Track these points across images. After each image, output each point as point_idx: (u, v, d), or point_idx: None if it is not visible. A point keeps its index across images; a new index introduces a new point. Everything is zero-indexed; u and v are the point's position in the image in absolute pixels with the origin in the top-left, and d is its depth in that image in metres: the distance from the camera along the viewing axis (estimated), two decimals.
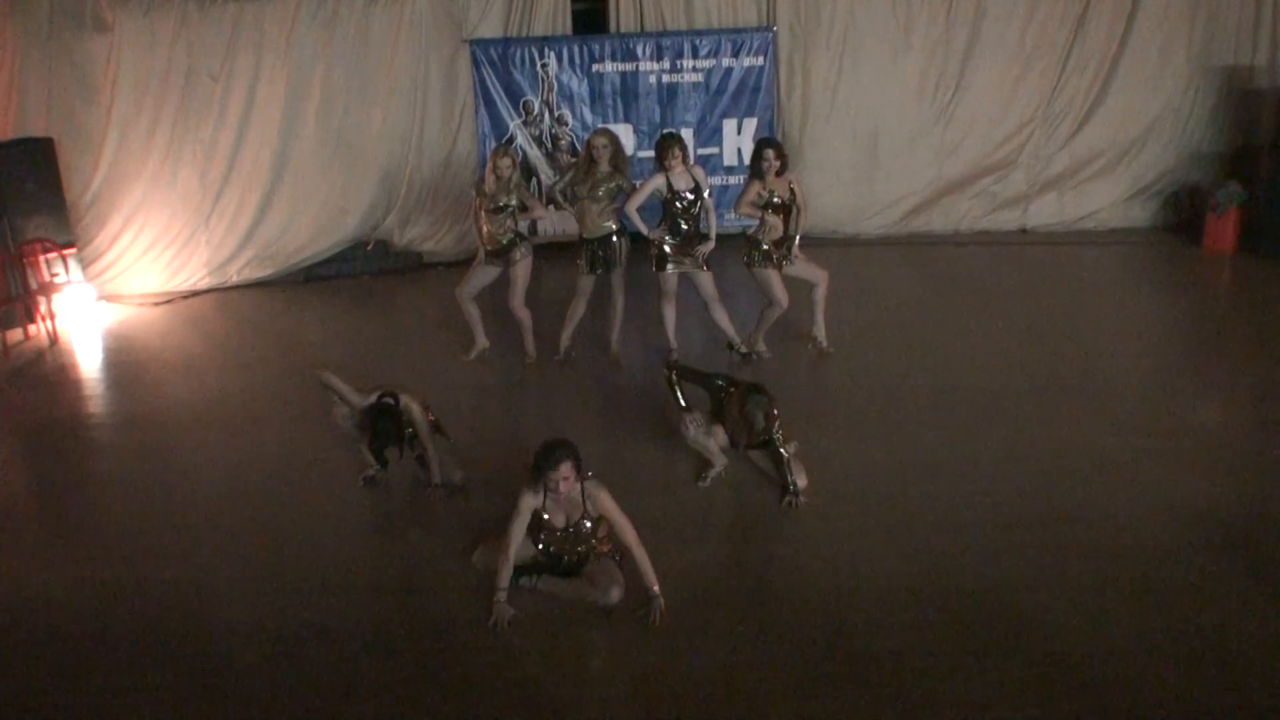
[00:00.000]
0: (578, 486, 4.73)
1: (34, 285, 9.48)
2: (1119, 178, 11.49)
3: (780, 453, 5.67)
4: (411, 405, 5.80)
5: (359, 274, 11.02)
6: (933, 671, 4.24)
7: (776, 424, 5.63)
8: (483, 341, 8.19)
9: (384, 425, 5.71)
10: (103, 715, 4.23)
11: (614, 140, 7.63)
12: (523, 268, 7.82)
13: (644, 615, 4.63)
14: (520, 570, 4.89)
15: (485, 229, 7.76)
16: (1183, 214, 11.42)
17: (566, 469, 4.61)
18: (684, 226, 7.52)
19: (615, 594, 4.71)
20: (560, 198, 8.09)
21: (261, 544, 5.52)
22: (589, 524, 4.81)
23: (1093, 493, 5.64)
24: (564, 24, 11.06)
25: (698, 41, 10.95)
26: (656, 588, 4.67)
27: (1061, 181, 11.49)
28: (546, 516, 4.80)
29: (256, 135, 10.49)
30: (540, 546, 4.89)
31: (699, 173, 7.59)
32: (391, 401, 5.73)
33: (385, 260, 11.13)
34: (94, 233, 10.44)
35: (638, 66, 10.96)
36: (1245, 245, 10.40)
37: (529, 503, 4.75)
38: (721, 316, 7.77)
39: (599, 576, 4.78)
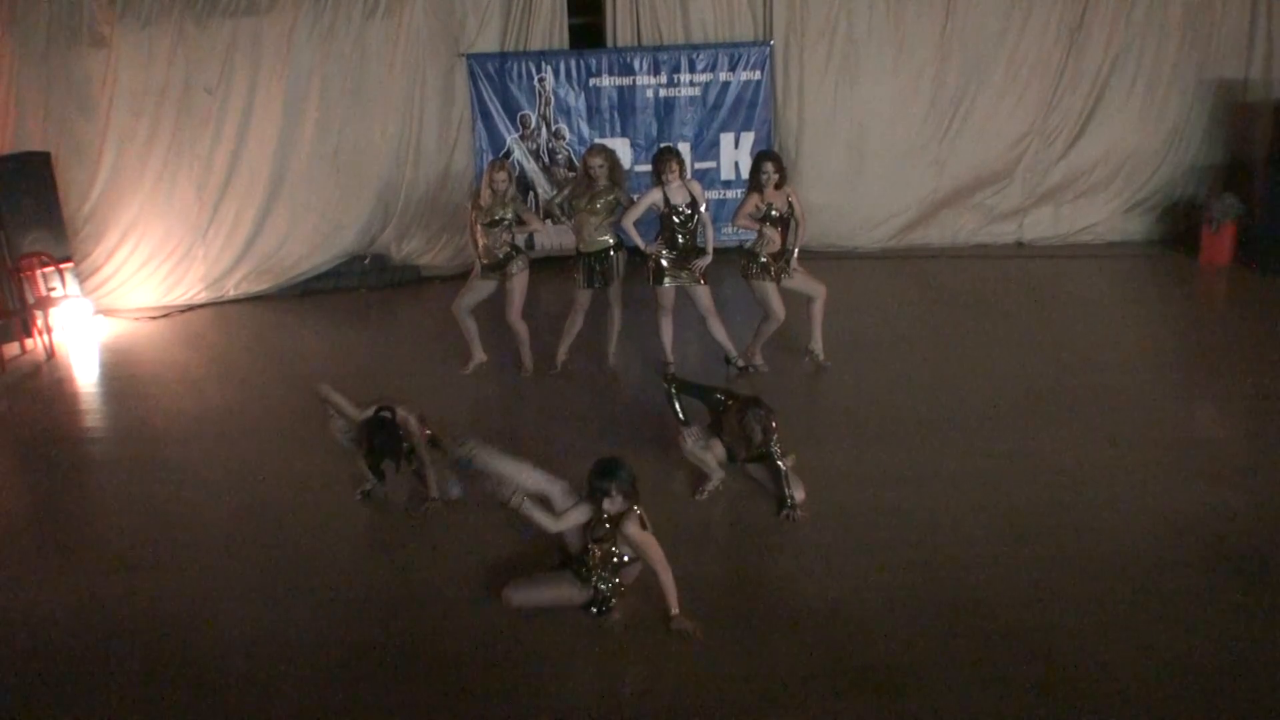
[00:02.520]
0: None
1: (31, 299, 9.47)
2: (1115, 191, 11.52)
3: (778, 466, 5.66)
4: (408, 419, 5.80)
5: (356, 288, 11.01)
6: (932, 683, 4.23)
7: (775, 437, 5.62)
8: (480, 355, 8.19)
9: (381, 439, 5.70)
10: None
11: (610, 157, 7.65)
12: (519, 281, 7.82)
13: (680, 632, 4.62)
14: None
15: (481, 243, 7.77)
16: (1179, 227, 11.45)
17: (612, 498, 4.66)
18: (681, 240, 7.53)
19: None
20: (558, 211, 8.10)
21: (258, 557, 5.51)
22: (624, 558, 4.78)
23: (1090, 504, 5.64)
24: (561, 38, 11.09)
25: (695, 56, 10.98)
26: (675, 610, 4.65)
27: (1058, 194, 11.52)
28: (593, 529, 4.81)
29: (253, 149, 10.50)
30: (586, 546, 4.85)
31: (696, 187, 7.60)
32: (388, 415, 5.72)
33: (382, 274, 11.12)
34: (91, 247, 10.44)
35: (635, 81, 10.99)
36: (1241, 258, 10.43)
37: (583, 514, 4.80)
38: (719, 330, 7.77)
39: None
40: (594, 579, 4.78)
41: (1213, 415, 6.93)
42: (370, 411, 5.73)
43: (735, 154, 11.20)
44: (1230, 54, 11.13)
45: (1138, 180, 11.48)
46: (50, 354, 9.26)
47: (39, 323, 9.35)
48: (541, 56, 10.93)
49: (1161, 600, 4.74)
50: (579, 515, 4.81)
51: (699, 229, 7.59)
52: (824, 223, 11.03)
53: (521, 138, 11.06)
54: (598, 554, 4.76)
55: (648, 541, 4.66)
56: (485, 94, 10.92)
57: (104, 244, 10.49)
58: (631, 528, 4.64)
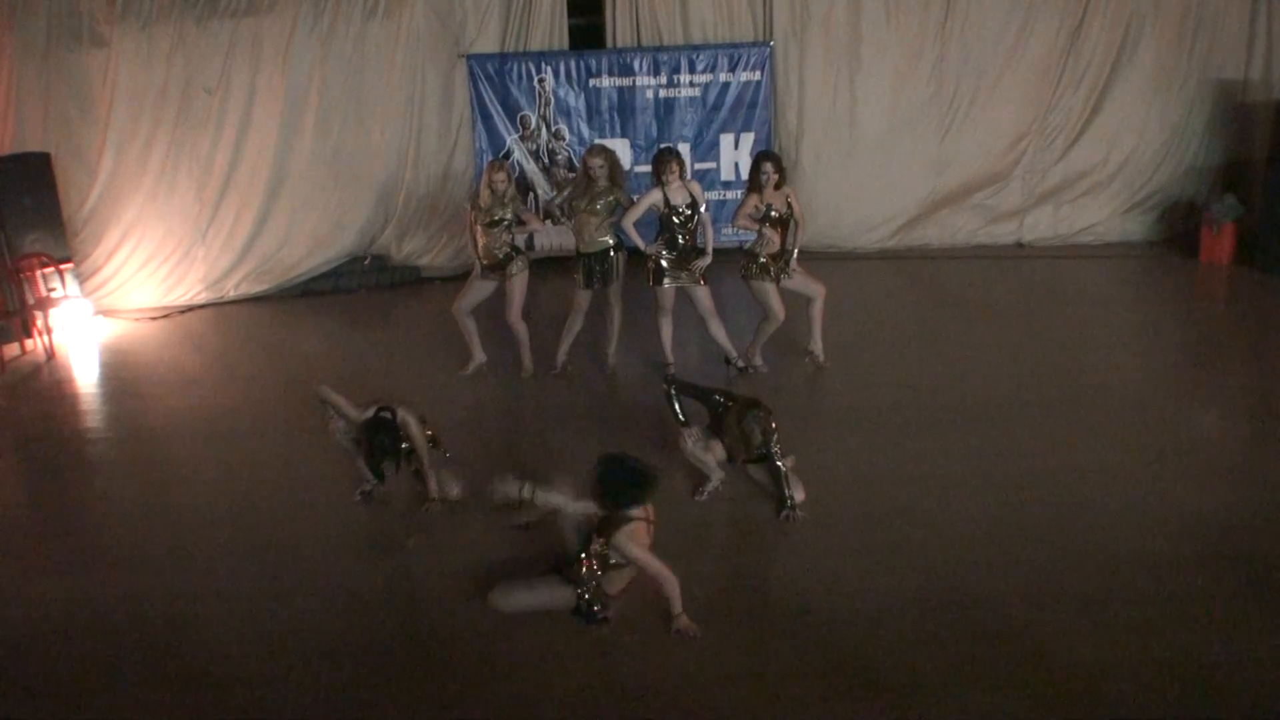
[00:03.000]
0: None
1: (31, 300, 9.47)
2: (1115, 191, 11.52)
3: (778, 467, 5.65)
4: (409, 419, 5.80)
5: (356, 289, 11.02)
6: (933, 684, 4.23)
7: (774, 438, 5.62)
8: (480, 356, 8.18)
9: (381, 439, 5.70)
10: None
11: (610, 157, 7.65)
12: (519, 282, 7.82)
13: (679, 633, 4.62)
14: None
15: (481, 243, 7.77)
16: (1179, 227, 11.46)
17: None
18: (681, 241, 7.53)
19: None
20: (558, 212, 8.10)
21: (257, 558, 5.51)
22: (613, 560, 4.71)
23: (1091, 505, 5.64)
24: (561, 39, 11.10)
25: (695, 56, 10.98)
26: (678, 610, 4.63)
27: (1058, 195, 11.52)
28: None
29: (253, 150, 10.50)
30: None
31: (696, 188, 7.60)
32: (388, 415, 5.72)
33: (382, 275, 11.12)
34: (91, 247, 10.44)
35: (635, 81, 10.99)
36: (1241, 258, 10.43)
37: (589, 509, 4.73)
38: (718, 331, 7.77)
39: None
40: (581, 580, 4.70)
41: (1213, 415, 6.92)
42: (370, 412, 5.73)
43: (735, 155, 11.20)
44: (1230, 54, 11.13)
45: (1138, 180, 11.48)
46: (50, 354, 9.26)
47: (39, 323, 9.34)
48: (541, 57, 10.93)
49: (1162, 600, 4.73)
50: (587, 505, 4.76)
51: (699, 230, 7.59)
52: (823, 223, 11.04)
53: (521, 138, 11.07)
54: (594, 549, 4.68)
55: (637, 554, 4.57)
56: (485, 95, 10.92)
57: (104, 244, 10.49)
58: (621, 538, 4.55)
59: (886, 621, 4.68)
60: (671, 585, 4.61)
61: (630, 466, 4.67)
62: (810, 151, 11.29)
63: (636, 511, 4.62)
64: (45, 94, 10.04)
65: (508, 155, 10.90)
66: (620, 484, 4.61)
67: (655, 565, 4.60)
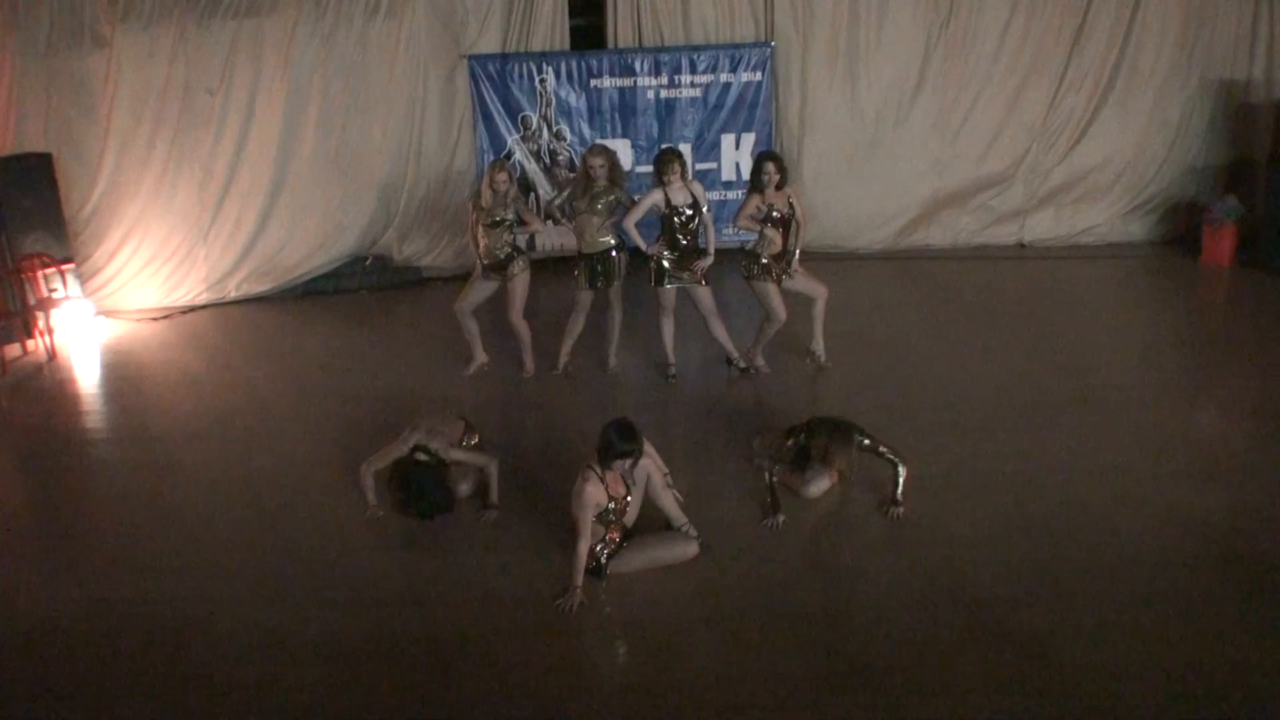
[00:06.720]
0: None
1: (32, 300, 9.48)
2: (1116, 192, 11.51)
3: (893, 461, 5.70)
4: (448, 451, 5.87)
5: (357, 289, 11.02)
6: (934, 684, 4.23)
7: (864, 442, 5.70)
8: (481, 356, 8.19)
9: (427, 485, 5.73)
10: None
11: (610, 157, 7.65)
12: (520, 282, 7.82)
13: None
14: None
15: (483, 243, 7.77)
16: (1180, 228, 11.45)
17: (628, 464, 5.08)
18: (682, 241, 7.53)
19: (694, 546, 5.19)
20: (559, 213, 8.11)
21: (260, 558, 5.51)
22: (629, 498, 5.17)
23: (1092, 505, 5.64)
24: (562, 39, 11.09)
25: (696, 57, 10.98)
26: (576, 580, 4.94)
27: (1059, 196, 11.51)
28: (611, 505, 5.07)
29: (255, 150, 10.50)
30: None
31: (697, 188, 7.60)
32: (426, 456, 5.76)
33: (384, 275, 11.12)
34: (92, 248, 10.45)
35: (636, 82, 10.99)
36: (1243, 259, 10.42)
37: (593, 495, 5.01)
38: (720, 331, 7.76)
39: (666, 536, 5.23)
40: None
41: (1214, 416, 6.93)
42: (407, 450, 5.79)
43: (736, 155, 11.19)
44: (1231, 54, 11.12)
45: (1139, 181, 11.47)
46: (52, 355, 9.27)
47: (40, 324, 9.35)
48: (543, 57, 10.93)
49: (1163, 601, 4.74)
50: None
51: (700, 230, 7.59)
52: (825, 224, 11.04)
53: (523, 139, 11.07)
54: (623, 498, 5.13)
55: (574, 509, 5.00)
56: (486, 95, 10.92)
57: (105, 245, 10.49)
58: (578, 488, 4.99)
59: (887, 621, 4.68)
60: (578, 556, 4.92)
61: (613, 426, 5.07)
62: (811, 152, 11.29)
63: (612, 465, 5.04)
64: (46, 94, 10.05)
65: (509, 155, 10.90)
66: (602, 440, 5.04)
67: (580, 528, 4.95)
